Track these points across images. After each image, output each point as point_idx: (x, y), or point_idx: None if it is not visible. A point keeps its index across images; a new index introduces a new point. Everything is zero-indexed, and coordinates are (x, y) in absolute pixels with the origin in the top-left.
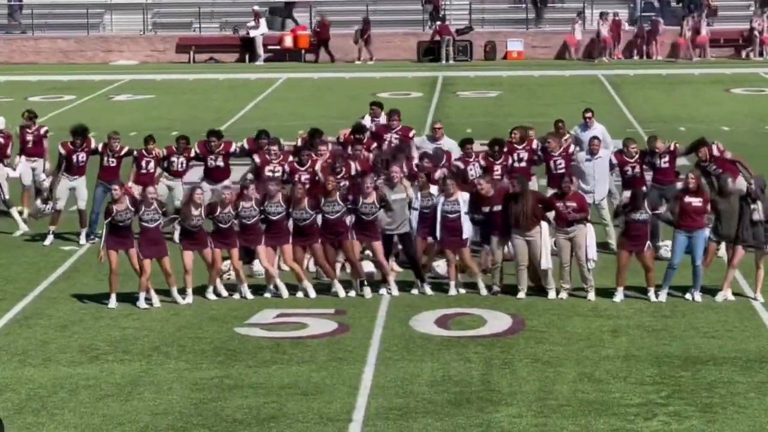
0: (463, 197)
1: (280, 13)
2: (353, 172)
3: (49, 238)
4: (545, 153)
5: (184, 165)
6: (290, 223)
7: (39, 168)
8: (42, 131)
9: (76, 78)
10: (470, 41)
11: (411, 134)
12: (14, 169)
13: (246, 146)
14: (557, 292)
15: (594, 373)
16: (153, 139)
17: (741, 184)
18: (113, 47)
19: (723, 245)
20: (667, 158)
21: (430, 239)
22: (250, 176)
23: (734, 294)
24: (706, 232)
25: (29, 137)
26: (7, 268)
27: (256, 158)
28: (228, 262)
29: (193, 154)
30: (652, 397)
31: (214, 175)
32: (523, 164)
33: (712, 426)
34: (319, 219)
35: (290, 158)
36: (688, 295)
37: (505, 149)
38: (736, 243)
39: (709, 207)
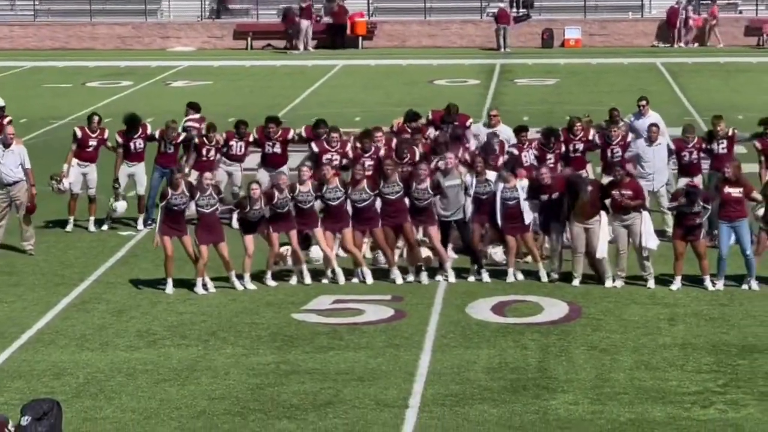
0: (521, 184)
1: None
2: (417, 158)
3: (107, 223)
4: (605, 141)
5: (243, 149)
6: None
7: (91, 175)
8: (105, 135)
9: (133, 64)
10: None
11: (468, 123)
12: (63, 178)
13: (304, 134)
14: (613, 280)
15: (651, 360)
16: (215, 128)
17: None
18: (171, 33)
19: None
20: (725, 144)
21: (487, 225)
22: (308, 163)
23: None
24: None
25: (92, 141)
26: (64, 252)
27: (315, 147)
28: (286, 247)
29: (251, 139)
30: (709, 386)
31: (271, 161)
32: (578, 154)
33: None
34: (378, 203)
35: (348, 145)
36: (744, 285)
37: (561, 138)
38: None
39: (758, 195)
